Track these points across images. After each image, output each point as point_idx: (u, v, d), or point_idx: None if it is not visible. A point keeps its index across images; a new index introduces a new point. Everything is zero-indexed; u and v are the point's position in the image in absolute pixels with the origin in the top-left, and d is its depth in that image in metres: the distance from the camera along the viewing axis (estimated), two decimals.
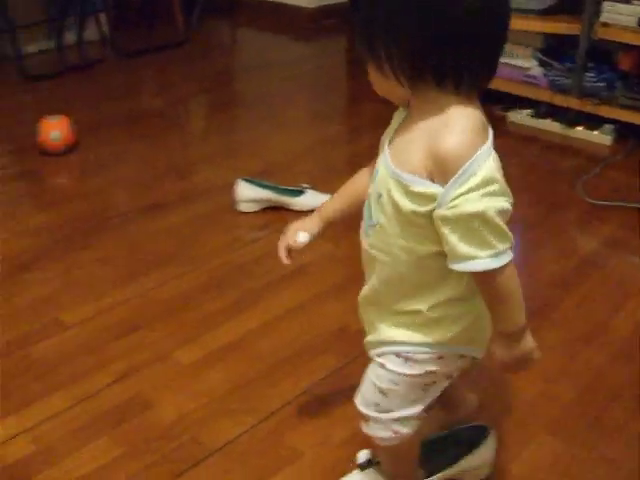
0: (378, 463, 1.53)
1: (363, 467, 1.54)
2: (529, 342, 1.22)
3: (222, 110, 3.76)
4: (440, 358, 1.29)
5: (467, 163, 1.08)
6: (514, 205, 1.13)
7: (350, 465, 1.59)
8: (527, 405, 1.83)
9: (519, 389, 1.87)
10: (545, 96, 3.34)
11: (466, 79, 1.10)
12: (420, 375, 1.30)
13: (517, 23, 3.05)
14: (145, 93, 4.03)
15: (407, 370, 1.30)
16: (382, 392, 1.33)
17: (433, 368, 1.30)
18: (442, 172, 1.09)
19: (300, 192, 2.62)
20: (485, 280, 1.15)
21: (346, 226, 2.04)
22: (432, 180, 1.11)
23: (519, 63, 3.38)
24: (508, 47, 3.18)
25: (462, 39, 1.07)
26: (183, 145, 3.28)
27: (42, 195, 2.87)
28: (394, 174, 1.16)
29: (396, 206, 1.16)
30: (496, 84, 3.22)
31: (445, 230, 1.11)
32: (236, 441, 1.72)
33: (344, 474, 1.59)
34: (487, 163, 1.09)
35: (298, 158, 3.11)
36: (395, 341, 1.29)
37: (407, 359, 1.29)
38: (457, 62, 1.08)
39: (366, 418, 1.38)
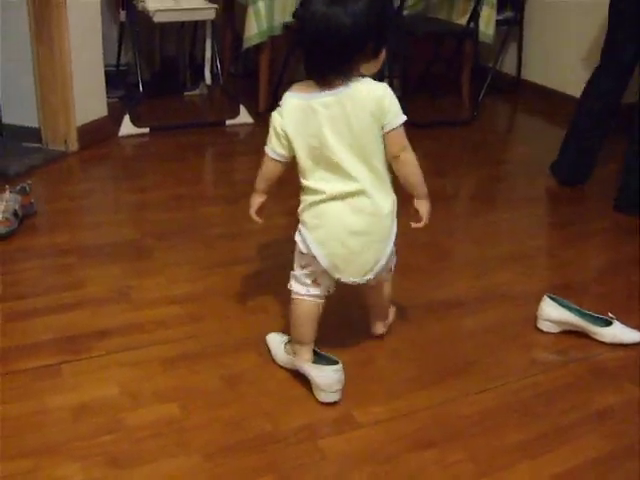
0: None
1: None
2: None
3: (492, 206, 3.59)
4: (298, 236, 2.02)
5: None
6: None
7: None
8: None
9: None
10: None
11: None
12: (296, 246, 2.03)
13: None
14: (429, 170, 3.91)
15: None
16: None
17: (297, 241, 2.03)
18: None
19: (608, 322, 2.39)
20: None
21: None
22: None
23: None
24: None
25: None
26: (476, 238, 3.13)
27: None
28: None
29: None
30: None
31: None
32: None
33: None
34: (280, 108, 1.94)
35: (598, 278, 2.87)
36: None
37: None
38: None
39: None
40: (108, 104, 4.02)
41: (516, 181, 3.87)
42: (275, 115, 1.93)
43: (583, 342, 2.42)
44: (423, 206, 2.04)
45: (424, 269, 2.81)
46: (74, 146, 3.70)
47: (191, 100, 4.79)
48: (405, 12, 4.47)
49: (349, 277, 2.01)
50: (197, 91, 4.78)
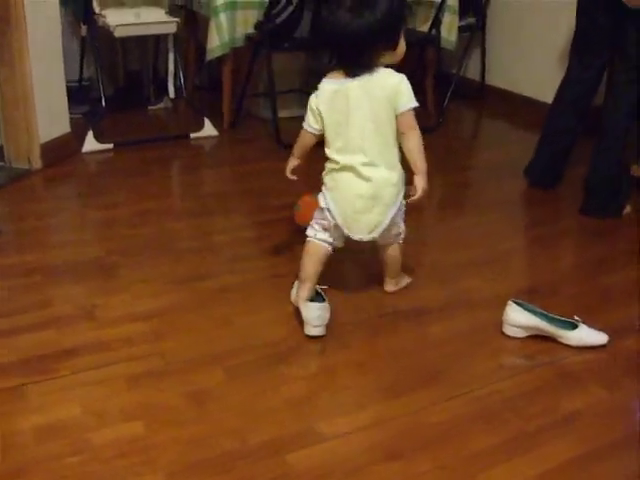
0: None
1: None
2: None
3: (460, 212, 3.60)
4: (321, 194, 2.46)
5: None
6: None
7: None
8: None
9: None
10: None
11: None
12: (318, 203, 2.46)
13: None
14: None
15: None
16: None
17: (319, 198, 2.47)
18: None
19: (574, 325, 2.40)
20: None
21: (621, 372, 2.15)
22: None
23: None
24: None
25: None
26: (443, 244, 3.13)
27: (295, 278, 2.75)
28: None
29: None
30: None
31: None
32: None
33: None
34: (317, 91, 2.34)
35: (564, 280, 2.88)
36: None
37: None
38: None
39: None
40: (72, 120, 3.99)
41: (483, 186, 3.89)
42: (312, 97, 2.35)
43: (550, 346, 2.42)
44: (419, 181, 2.35)
45: None
46: (38, 164, 3.68)
47: (155, 114, 4.77)
48: None
49: (356, 234, 2.42)
50: (161, 105, 4.77)
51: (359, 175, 2.35)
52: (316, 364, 2.28)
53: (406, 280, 2.73)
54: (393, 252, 2.57)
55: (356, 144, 2.34)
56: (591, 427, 2.08)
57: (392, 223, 2.44)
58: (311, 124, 2.40)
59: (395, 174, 2.39)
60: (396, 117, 2.32)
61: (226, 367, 2.24)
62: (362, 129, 2.32)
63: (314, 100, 2.36)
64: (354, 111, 2.30)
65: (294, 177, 2.54)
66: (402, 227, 2.52)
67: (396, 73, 2.30)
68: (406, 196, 2.43)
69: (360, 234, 2.42)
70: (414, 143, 2.36)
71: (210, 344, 2.36)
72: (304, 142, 2.48)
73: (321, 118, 2.36)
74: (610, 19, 3.25)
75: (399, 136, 2.35)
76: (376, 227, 2.41)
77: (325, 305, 2.38)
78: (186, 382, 2.18)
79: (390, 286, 2.66)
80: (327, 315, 2.38)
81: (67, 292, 2.64)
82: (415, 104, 2.31)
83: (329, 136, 2.37)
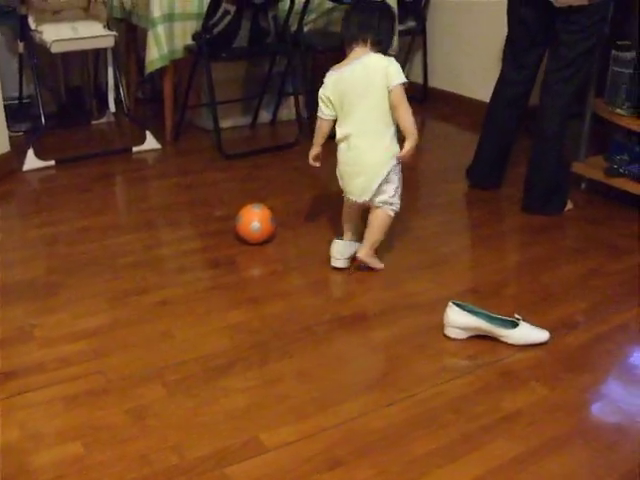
0: None
1: None
2: None
3: (403, 215, 3.61)
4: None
5: None
6: None
7: None
8: None
9: None
10: None
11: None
12: None
13: None
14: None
15: None
16: None
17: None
18: None
19: (514, 324, 2.42)
20: None
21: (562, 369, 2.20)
22: None
23: None
24: None
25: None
26: (385, 249, 3.13)
27: (238, 289, 2.76)
28: None
29: None
30: None
31: None
32: None
33: None
34: (324, 83, 2.75)
35: (507, 280, 2.90)
36: None
37: None
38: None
39: None
40: (13, 139, 3.95)
41: (427, 189, 3.90)
42: (321, 89, 2.76)
43: (491, 345, 2.44)
44: (408, 143, 2.70)
45: (331, 283, 2.80)
46: None
47: (98, 129, 4.72)
48: (306, 28, 4.48)
49: (351, 195, 2.81)
50: (104, 120, 4.72)
51: (348, 144, 2.74)
52: (258, 375, 2.26)
53: (378, 263, 2.94)
54: (377, 217, 2.82)
55: (349, 118, 2.72)
56: (531, 426, 2.10)
57: (380, 190, 2.75)
58: (324, 111, 2.78)
59: (382, 144, 2.73)
60: (389, 93, 2.65)
61: (166, 382, 2.22)
62: (355, 104, 2.70)
63: (321, 91, 2.75)
64: (351, 90, 2.70)
65: (317, 164, 2.88)
66: (394, 200, 2.81)
67: (385, 57, 2.69)
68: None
69: (353, 195, 2.80)
70: (403, 113, 2.68)
71: (151, 359, 2.34)
72: (322, 129, 2.83)
73: (331, 103, 2.74)
74: (540, 19, 3.28)
75: (392, 109, 2.68)
76: (364, 191, 2.76)
77: (349, 243, 2.89)
78: (126, 399, 2.15)
79: (362, 251, 2.86)
80: (349, 251, 2.89)
81: (4, 314, 2.59)
82: (404, 80, 2.65)
83: (337, 115, 2.76)
